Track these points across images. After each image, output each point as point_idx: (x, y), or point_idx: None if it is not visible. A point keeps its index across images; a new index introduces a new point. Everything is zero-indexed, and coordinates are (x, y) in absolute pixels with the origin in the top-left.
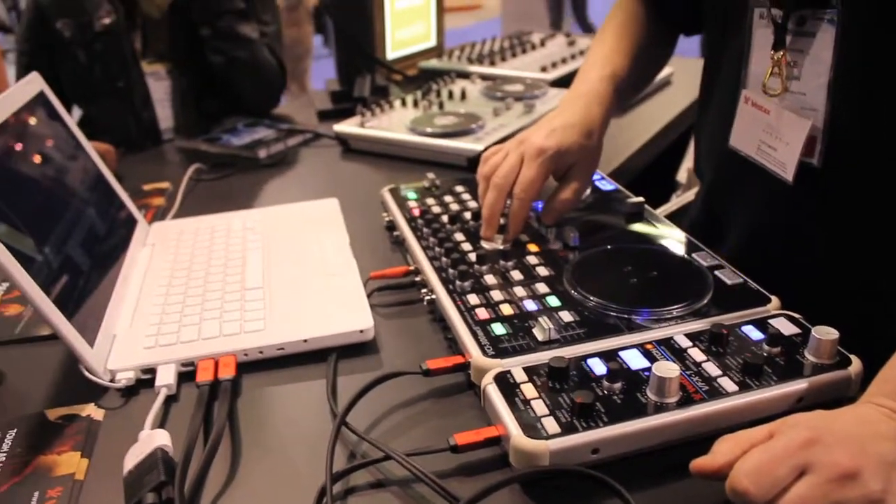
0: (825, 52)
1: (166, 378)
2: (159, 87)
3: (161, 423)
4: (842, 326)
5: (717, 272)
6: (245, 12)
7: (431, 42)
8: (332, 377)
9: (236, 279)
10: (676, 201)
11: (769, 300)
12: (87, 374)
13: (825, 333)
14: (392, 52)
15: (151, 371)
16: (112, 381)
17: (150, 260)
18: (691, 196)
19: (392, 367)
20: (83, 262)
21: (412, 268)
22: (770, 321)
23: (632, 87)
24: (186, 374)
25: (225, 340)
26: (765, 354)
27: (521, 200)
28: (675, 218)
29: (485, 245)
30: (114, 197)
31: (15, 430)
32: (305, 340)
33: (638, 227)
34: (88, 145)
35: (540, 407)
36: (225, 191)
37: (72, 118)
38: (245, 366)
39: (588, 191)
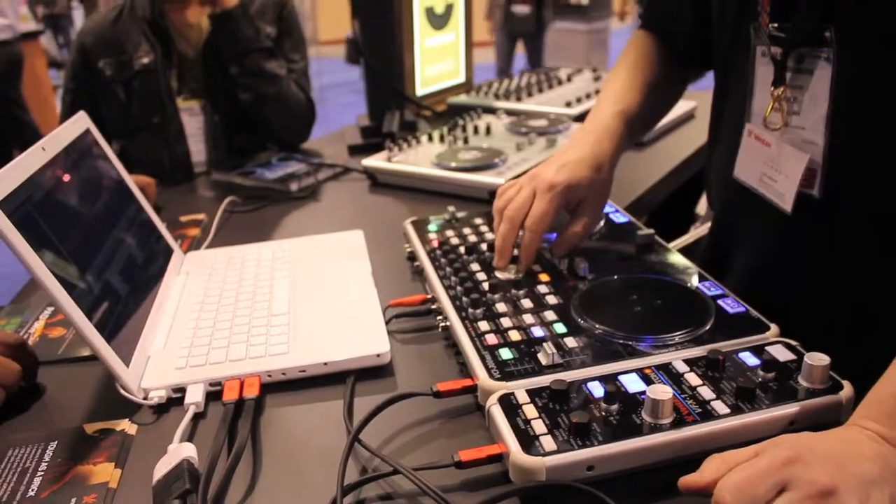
0: (822, 89)
1: (195, 396)
2: (193, 122)
3: (189, 437)
4: (842, 352)
5: (719, 301)
6: (272, 50)
7: (460, 78)
8: (348, 398)
9: (264, 305)
10: (695, 233)
11: (768, 328)
12: (122, 391)
13: (817, 359)
14: (421, 89)
15: (181, 390)
16: (145, 398)
17: (185, 287)
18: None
19: (406, 389)
20: (122, 288)
21: (429, 296)
22: (767, 348)
23: (643, 122)
24: (214, 393)
25: (250, 362)
26: (759, 380)
27: (533, 233)
28: (692, 249)
29: (499, 275)
30: (152, 228)
31: (56, 442)
32: (326, 363)
33: (647, 258)
34: (129, 179)
35: (539, 426)
36: (257, 222)
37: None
38: (269, 386)
39: (602, 223)
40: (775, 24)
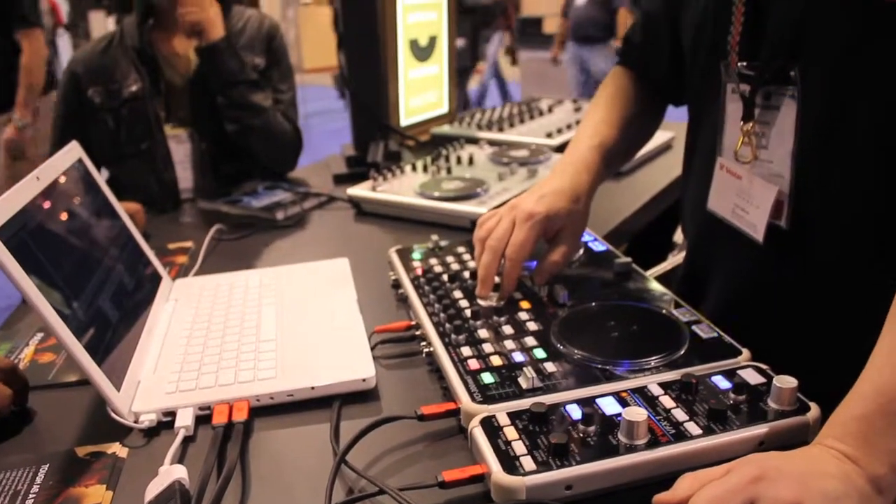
0: (788, 125)
1: (185, 420)
2: (180, 149)
3: (179, 460)
4: (813, 374)
5: (694, 327)
6: (257, 82)
7: (444, 109)
8: (335, 421)
9: (251, 331)
10: (672, 261)
11: (740, 352)
12: (113, 415)
13: (785, 382)
14: (406, 119)
15: (172, 414)
16: (136, 422)
17: (173, 313)
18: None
19: (391, 412)
20: (113, 314)
21: (413, 323)
22: (738, 371)
23: (620, 155)
24: (203, 417)
25: (239, 387)
26: (730, 402)
27: (514, 261)
28: (669, 276)
29: (481, 302)
30: (141, 255)
31: (48, 465)
32: (313, 388)
33: (625, 285)
34: (119, 207)
35: (519, 447)
36: (244, 250)
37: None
38: (257, 410)
39: (581, 251)
40: (744, 63)
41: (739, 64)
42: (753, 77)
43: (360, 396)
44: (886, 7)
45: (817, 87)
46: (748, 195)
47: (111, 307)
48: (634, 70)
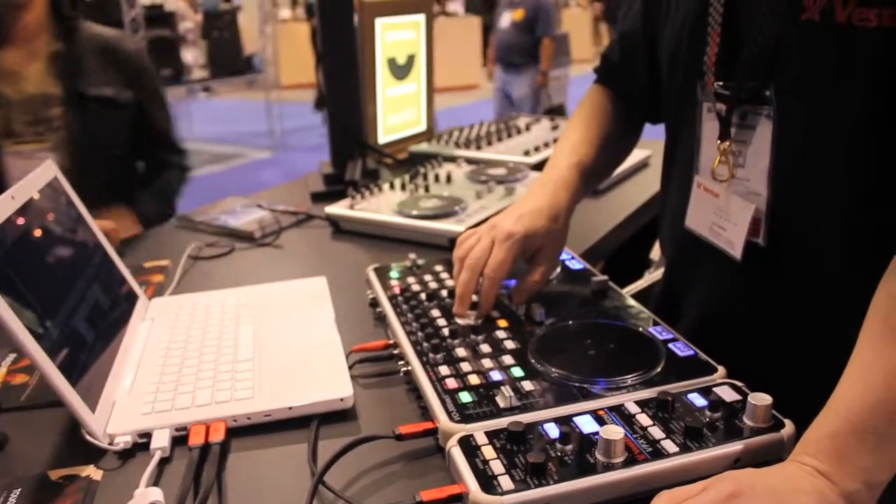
0: (764, 144)
1: (161, 441)
2: (20, 166)
3: (155, 482)
4: (787, 391)
5: (670, 345)
6: (174, 143)
7: (422, 127)
8: (313, 441)
9: (229, 351)
10: (648, 278)
11: (716, 370)
12: (87, 437)
13: (760, 399)
14: (384, 137)
15: (147, 435)
16: (111, 444)
17: (150, 333)
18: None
19: (369, 432)
20: (88, 334)
21: (391, 342)
22: (714, 389)
23: (598, 173)
24: (180, 438)
25: (216, 407)
26: (706, 419)
27: (492, 280)
28: (646, 293)
29: (458, 321)
30: (116, 274)
31: (20, 490)
32: (290, 408)
33: (602, 303)
34: (95, 225)
35: (497, 466)
36: (221, 269)
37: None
38: (234, 430)
39: (558, 269)
40: (720, 83)
41: (715, 84)
42: (729, 97)
43: (338, 416)
44: (859, 30)
45: (792, 106)
46: (725, 213)
47: (86, 327)
48: (612, 88)
